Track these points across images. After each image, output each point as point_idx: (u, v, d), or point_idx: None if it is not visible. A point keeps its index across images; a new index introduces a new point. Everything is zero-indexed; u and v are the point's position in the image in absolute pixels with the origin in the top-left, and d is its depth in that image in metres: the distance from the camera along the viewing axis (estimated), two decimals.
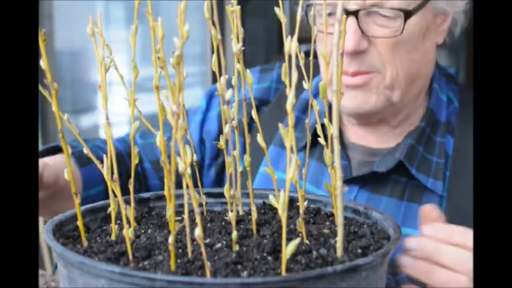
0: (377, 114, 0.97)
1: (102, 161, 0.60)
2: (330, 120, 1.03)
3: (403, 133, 1.00)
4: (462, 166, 0.96)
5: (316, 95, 1.00)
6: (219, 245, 0.57)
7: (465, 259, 0.68)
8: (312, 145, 1.01)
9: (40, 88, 0.57)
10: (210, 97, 1.14)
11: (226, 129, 0.57)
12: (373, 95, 0.92)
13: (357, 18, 0.89)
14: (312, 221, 0.66)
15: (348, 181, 0.97)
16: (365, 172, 0.97)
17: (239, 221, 0.65)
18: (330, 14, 0.92)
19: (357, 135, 1.03)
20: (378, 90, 0.92)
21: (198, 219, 0.49)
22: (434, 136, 0.99)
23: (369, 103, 0.93)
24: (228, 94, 0.55)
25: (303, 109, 1.05)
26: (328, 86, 0.98)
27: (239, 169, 0.64)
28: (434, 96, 1.01)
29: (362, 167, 1.00)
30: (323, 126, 0.62)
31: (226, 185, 0.64)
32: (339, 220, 0.52)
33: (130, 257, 0.54)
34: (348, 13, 0.89)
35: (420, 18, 0.92)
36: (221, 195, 0.69)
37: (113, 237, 0.60)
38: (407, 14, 0.88)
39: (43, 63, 0.55)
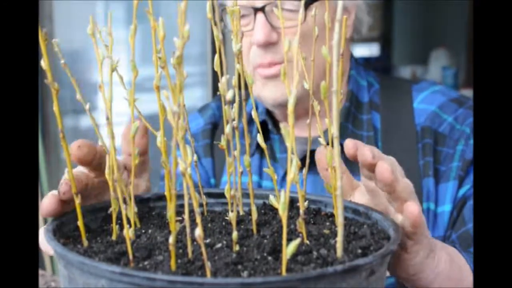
0: (300, 103, 1.04)
1: None
2: (271, 117, 1.11)
3: None
4: (391, 136, 1.08)
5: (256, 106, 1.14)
6: (219, 245, 0.57)
7: None
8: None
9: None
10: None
11: (227, 129, 0.57)
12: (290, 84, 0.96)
13: (264, 13, 0.98)
14: (312, 222, 0.66)
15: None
16: (303, 155, 1.04)
17: (239, 221, 0.65)
18: (243, 16, 1.02)
19: (295, 128, 1.09)
20: (293, 79, 0.95)
21: (198, 219, 0.49)
22: (360, 115, 1.10)
23: (285, 92, 0.96)
24: (230, 94, 0.55)
25: (249, 121, 1.16)
26: (254, 82, 1.06)
27: (240, 169, 0.64)
28: (353, 81, 1.11)
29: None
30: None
31: (227, 186, 0.64)
32: (339, 220, 0.52)
33: (131, 257, 0.54)
34: (256, 9, 0.98)
35: (320, 10, 1.02)
36: (222, 195, 0.69)
37: (113, 237, 0.60)
38: (306, 5, 0.96)
39: (43, 63, 0.55)
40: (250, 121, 1.18)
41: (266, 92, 1.04)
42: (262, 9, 0.98)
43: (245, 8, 1.01)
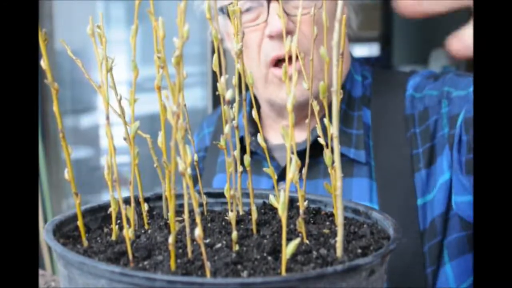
0: (307, 106, 1.01)
1: None
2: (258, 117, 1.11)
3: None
4: (383, 135, 1.03)
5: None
6: (219, 245, 0.57)
7: None
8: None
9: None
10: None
11: (226, 129, 0.57)
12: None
13: (279, 1, 0.94)
14: (312, 221, 0.66)
15: (282, 177, 1.00)
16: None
17: (239, 221, 0.65)
18: (248, 10, 0.99)
19: (278, 136, 1.10)
20: (310, 76, 0.94)
21: (198, 219, 0.49)
22: (351, 111, 1.06)
23: (305, 92, 0.92)
24: (229, 94, 0.54)
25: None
26: (267, 84, 1.05)
27: (239, 169, 0.64)
28: (349, 77, 1.08)
29: None
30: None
31: (226, 185, 0.64)
32: (339, 220, 0.52)
33: (130, 257, 0.54)
34: None
35: (331, 3, 0.98)
36: (221, 195, 0.69)
37: (113, 237, 0.60)
38: None
39: (43, 63, 0.55)
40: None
41: (284, 94, 1.00)
42: None
43: (253, 1, 0.98)
